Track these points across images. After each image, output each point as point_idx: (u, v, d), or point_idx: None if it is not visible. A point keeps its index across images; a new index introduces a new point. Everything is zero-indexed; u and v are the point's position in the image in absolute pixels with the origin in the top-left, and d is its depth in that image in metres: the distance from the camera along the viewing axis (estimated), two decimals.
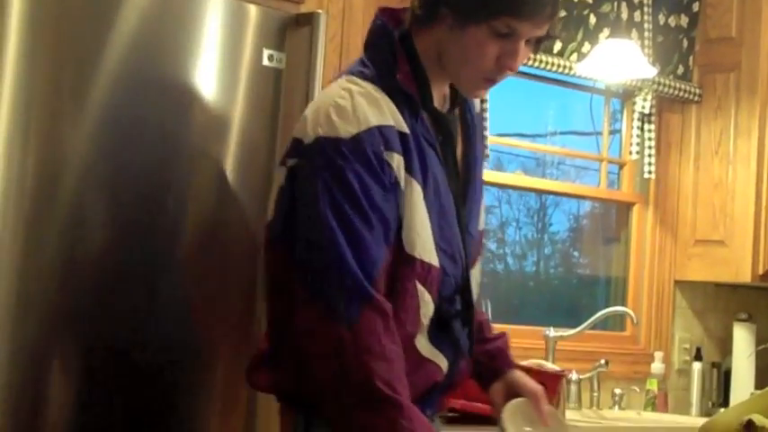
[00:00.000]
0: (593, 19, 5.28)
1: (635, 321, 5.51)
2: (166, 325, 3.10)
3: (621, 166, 5.80)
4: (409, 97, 2.53)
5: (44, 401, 2.97)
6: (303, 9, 3.44)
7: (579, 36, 5.23)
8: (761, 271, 5.43)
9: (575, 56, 5.18)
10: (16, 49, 2.89)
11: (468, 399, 4.17)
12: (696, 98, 5.68)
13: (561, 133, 5.76)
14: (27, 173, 2.90)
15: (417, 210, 2.49)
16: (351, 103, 2.46)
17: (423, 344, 2.53)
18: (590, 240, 5.97)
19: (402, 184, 2.47)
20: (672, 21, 5.61)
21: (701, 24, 5.71)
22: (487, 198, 5.46)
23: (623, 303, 5.66)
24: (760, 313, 5.84)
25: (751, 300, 5.89)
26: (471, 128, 2.72)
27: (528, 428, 2.70)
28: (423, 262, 2.49)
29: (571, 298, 5.78)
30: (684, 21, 5.65)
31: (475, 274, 2.70)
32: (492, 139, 4.97)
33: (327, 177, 2.41)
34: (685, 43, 5.66)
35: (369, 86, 2.50)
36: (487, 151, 4.88)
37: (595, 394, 5.28)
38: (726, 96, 5.61)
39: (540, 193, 5.64)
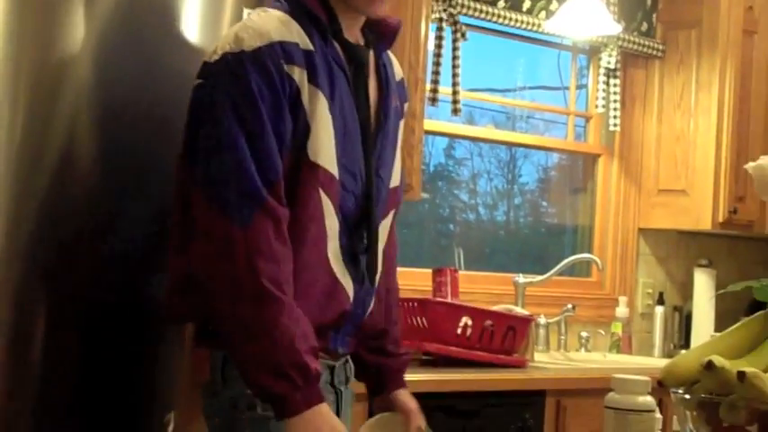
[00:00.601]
0: None
1: (600, 268, 5.53)
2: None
3: (588, 120, 5.80)
4: (317, 20, 2.54)
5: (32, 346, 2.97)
6: None
7: None
8: (721, 219, 5.45)
9: (543, 14, 5.18)
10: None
11: (444, 343, 4.19)
12: (659, 54, 5.69)
13: (530, 88, 5.76)
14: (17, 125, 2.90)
15: (322, 119, 2.49)
16: (257, 23, 2.49)
17: (334, 260, 2.54)
18: (558, 191, 5.97)
19: (306, 95, 2.47)
20: None
21: None
22: (460, 151, 5.50)
23: (589, 251, 5.67)
24: (720, 259, 5.87)
25: (711, 246, 5.91)
26: (385, 81, 2.68)
27: None
28: (325, 170, 2.49)
29: (539, 246, 5.79)
30: None
31: (384, 224, 2.68)
32: (464, 94, 4.95)
33: (229, 87, 2.43)
34: (649, 1, 5.66)
35: (278, 12, 2.52)
36: (460, 105, 4.87)
37: (563, 337, 5.31)
38: (687, 52, 5.62)
39: (509, 145, 5.64)
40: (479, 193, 5.70)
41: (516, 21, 5.14)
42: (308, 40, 2.49)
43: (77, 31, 2.99)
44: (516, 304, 4.89)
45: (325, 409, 2.37)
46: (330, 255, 2.52)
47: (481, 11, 5.02)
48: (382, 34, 2.69)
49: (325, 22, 2.54)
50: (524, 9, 5.15)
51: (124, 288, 3.04)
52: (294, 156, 2.46)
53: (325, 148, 2.49)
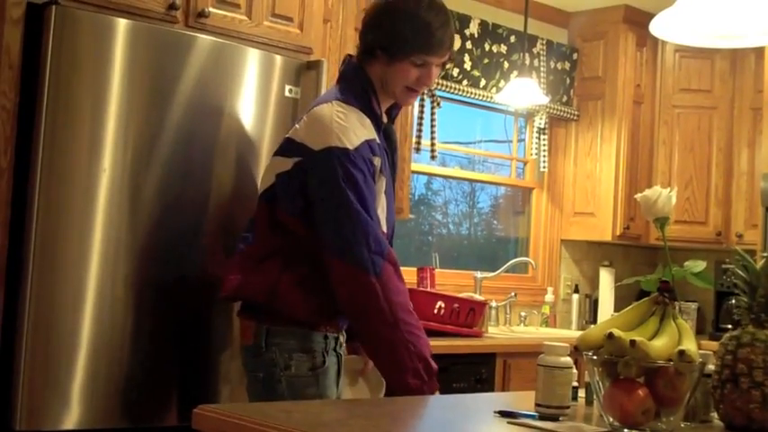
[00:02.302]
0: (506, 65, 5.29)
1: (534, 267, 5.53)
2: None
3: (525, 163, 5.81)
4: (376, 116, 2.54)
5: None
6: (312, 58, 3.43)
7: (497, 76, 5.24)
8: (618, 233, 5.46)
9: (494, 89, 5.19)
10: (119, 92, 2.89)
11: (425, 319, 4.18)
12: (575, 117, 5.70)
13: (485, 141, 5.75)
14: (125, 172, 2.90)
15: (382, 196, 2.52)
16: (348, 124, 2.46)
17: None
18: (504, 213, 5.97)
19: (377, 177, 2.49)
20: (559, 65, 5.62)
21: (578, 68, 5.72)
22: (436, 185, 5.51)
23: (526, 255, 5.68)
24: (617, 261, 5.86)
25: (611, 252, 5.91)
26: (394, 144, 2.68)
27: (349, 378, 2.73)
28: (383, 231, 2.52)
29: (492, 251, 5.79)
30: (567, 65, 5.67)
31: None
32: (439, 145, 4.94)
33: (342, 173, 2.41)
34: (568, 81, 5.68)
35: (355, 111, 2.49)
36: (436, 153, 4.88)
37: (508, 316, 5.31)
38: (595, 116, 5.63)
39: (471, 181, 5.64)
40: (449, 215, 5.70)
41: (475, 94, 5.16)
42: (374, 132, 2.51)
43: (166, 108, 3.00)
44: (475, 293, 4.90)
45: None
46: None
47: (451, 87, 5.04)
48: (396, 107, 2.70)
49: (379, 116, 2.55)
50: (481, 86, 5.17)
51: (196, 278, 3.04)
52: None
53: (383, 215, 2.52)
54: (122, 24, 2.91)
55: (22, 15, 2.82)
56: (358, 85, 2.55)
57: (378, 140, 2.50)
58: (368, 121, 2.50)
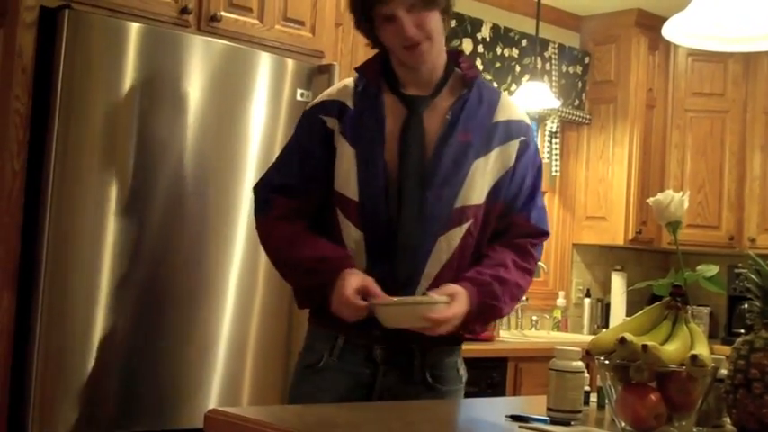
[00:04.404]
0: (518, 69, 5.28)
1: (546, 271, 5.52)
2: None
3: None
4: (367, 82, 2.27)
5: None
6: (324, 61, 3.44)
7: (509, 79, 5.24)
8: (630, 237, 5.46)
9: (506, 93, 5.18)
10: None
11: None
12: (587, 121, 5.69)
13: None
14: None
15: (343, 160, 2.21)
16: (327, 90, 2.37)
17: (358, 264, 2.19)
18: None
19: (332, 137, 2.23)
20: (570, 69, 5.61)
21: (590, 71, 5.71)
22: None
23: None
24: (629, 266, 5.86)
25: (623, 256, 5.90)
26: (455, 117, 2.22)
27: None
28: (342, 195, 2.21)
29: None
30: (579, 69, 5.66)
31: (446, 239, 2.18)
32: None
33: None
34: (580, 84, 5.67)
35: (349, 78, 2.34)
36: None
37: (519, 320, 5.30)
38: (607, 120, 5.62)
39: None
40: None
41: None
42: (344, 96, 2.25)
43: (179, 105, 3.01)
44: None
45: None
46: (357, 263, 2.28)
47: None
48: (464, 83, 2.27)
49: (372, 83, 2.25)
50: None
51: (209, 280, 3.04)
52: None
53: (346, 180, 2.21)
54: (135, 28, 2.93)
55: (35, 19, 2.83)
56: (373, 62, 2.33)
57: (345, 103, 2.24)
58: (347, 84, 2.29)
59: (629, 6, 5.48)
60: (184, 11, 3.10)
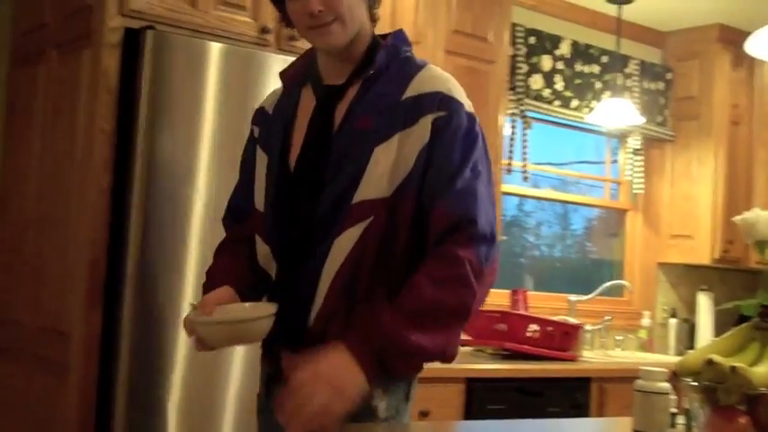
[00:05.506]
0: (598, 85, 5.23)
1: (630, 290, 5.44)
2: None
3: (619, 185, 5.72)
4: (290, 80, 2.02)
5: None
6: None
7: (589, 96, 5.19)
8: (716, 256, 5.34)
9: (586, 110, 5.14)
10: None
11: (519, 342, 4.14)
12: (671, 138, 5.60)
13: (577, 162, 5.69)
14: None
15: (257, 171, 1.98)
16: None
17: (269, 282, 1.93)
18: (598, 235, 5.89)
19: (255, 146, 2.01)
20: (653, 86, 5.53)
21: (673, 88, 5.62)
22: (528, 206, 5.46)
23: (621, 278, 5.58)
24: (715, 285, 5.73)
25: (709, 276, 5.78)
26: (355, 103, 1.87)
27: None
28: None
29: (585, 274, 5.71)
30: (661, 85, 5.58)
31: (340, 241, 1.79)
32: (531, 166, 4.94)
33: None
34: (662, 101, 5.58)
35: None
36: (528, 174, 4.85)
37: (603, 340, 5.22)
38: (691, 136, 5.52)
39: (563, 203, 5.59)
40: (542, 237, 5.64)
41: (567, 115, 5.11)
42: (270, 101, 2.04)
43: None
44: (570, 316, 4.83)
45: None
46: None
47: (542, 108, 5.00)
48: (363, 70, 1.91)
49: (289, 82, 2.01)
50: (572, 107, 5.11)
51: None
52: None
53: (259, 190, 1.97)
54: (216, 48, 2.96)
55: (119, 40, 2.88)
56: (303, 53, 2.06)
57: (266, 109, 2.03)
58: (276, 89, 2.06)
59: (712, 21, 5.39)
60: (264, 30, 3.13)
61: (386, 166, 1.79)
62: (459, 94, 1.87)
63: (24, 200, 3.34)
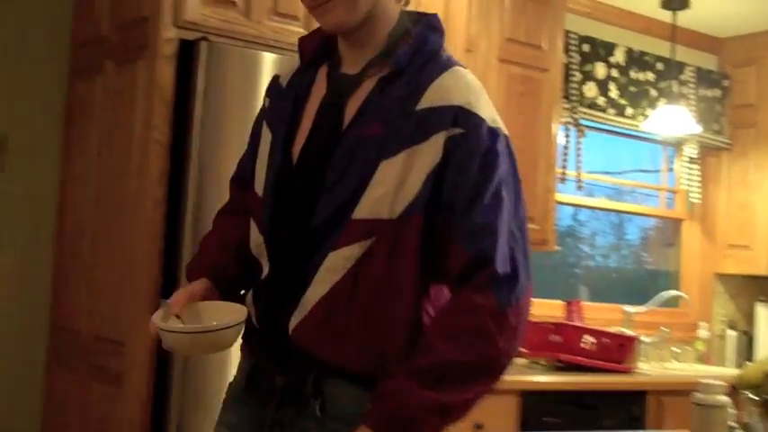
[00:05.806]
0: (653, 93, 5.18)
1: (687, 301, 5.37)
2: None
3: (675, 193, 5.65)
4: (306, 57, 1.80)
5: None
6: None
7: (644, 104, 5.14)
8: None
9: (641, 118, 5.09)
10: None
11: (573, 354, 4.10)
12: (728, 146, 5.52)
13: (633, 171, 5.64)
14: None
15: (261, 148, 1.82)
16: None
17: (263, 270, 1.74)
18: (654, 245, 5.83)
19: (262, 119, 1.86)
20: (709, 93, 5.47)
21: (729, 95, 5.54)
22: (582, 216, 5.42)
23: (678, 289, 5.50)
24: None
25: None
26: (370, 102, 1.65)
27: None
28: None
29: (641, 285, 5.65)
30: (718, 93, 5.51)
31: (337, 257, 1.60)
32: (585, 175, 4.91)
33: None
34: (719, 108, 5.51)
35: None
36: (582, 183, 4.81)
37: (660, 352, 5.16)
38: (748, 144, 5.45)
39: (618, 212, 5.54)
40: (597, 247, 5.59)
41: (622, 123, 5.07)
42: (287, 73, 1.83)
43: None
44: (625, 327, 4.78)
45: None
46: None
47: (596, 116, 4.97)
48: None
49: (306, 55, 1.79)
50: (627, 115, 5.07)
51: None
52: None
53: (260, 172, 1.81)
54: (269, 59, 2.97)
55: (174, 51, 2.91)
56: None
57: (281, 81, 1.83)
58: (297, 59, 1.84)
59: None
60: None
61: (390, 186, 1.58)
62: (481, 106, 1.62)
63: (82, 210, 3.38)
